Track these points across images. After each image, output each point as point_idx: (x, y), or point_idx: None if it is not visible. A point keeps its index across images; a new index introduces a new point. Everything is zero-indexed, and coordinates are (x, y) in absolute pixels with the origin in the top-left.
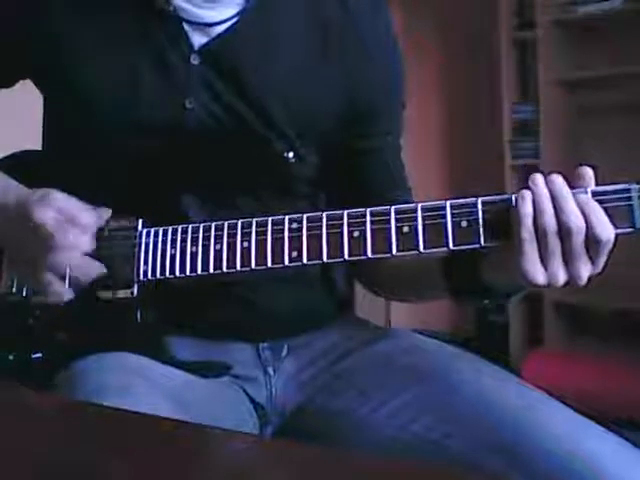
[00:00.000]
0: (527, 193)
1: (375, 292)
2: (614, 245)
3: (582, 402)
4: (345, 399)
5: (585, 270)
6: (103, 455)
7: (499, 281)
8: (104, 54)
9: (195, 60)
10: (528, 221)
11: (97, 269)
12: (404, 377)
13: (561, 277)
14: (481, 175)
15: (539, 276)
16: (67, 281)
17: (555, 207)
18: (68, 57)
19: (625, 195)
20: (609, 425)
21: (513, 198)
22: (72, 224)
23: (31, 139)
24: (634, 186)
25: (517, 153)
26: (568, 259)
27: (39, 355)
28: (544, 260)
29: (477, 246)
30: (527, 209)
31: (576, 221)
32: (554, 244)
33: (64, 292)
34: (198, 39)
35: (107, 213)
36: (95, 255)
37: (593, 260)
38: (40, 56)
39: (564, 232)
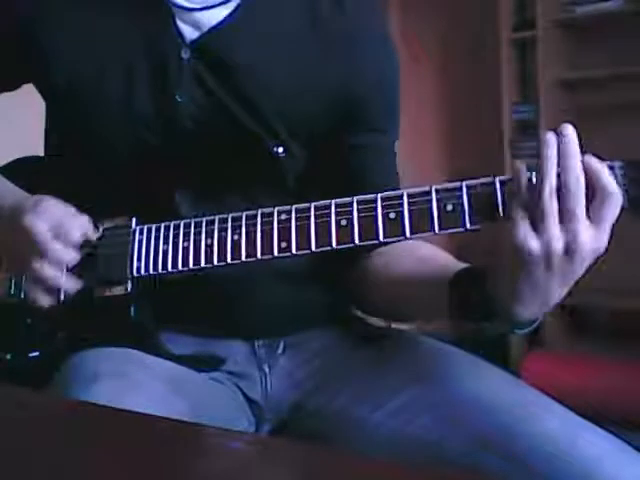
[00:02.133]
0: (520, 165)
1: (375, 313)
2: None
3: (582, 402)
4: (342, 399)
5: (585, 233)
6: (103, 455)
7: (507, 299)
8: (96, 48)
9: (186, 54)
10: (522, 194)
11: (73, 285)
12: (402, 377)
13: (556, 240)
14: (481, 175)
15: (532, 242)
16: (59, 289)
17: (559, 164)
18: (60, 53)
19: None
20: (608, 426)
21: (497, 181)
22: (59, 235)
23: (34, 148)
24: (617, 164)
25: (517, 153)
26: (565, 220)
27: (36, 354)
28: (538, 224)
29: (462, 229)
30: (521, 181)
31: (576, 181)
32: (550, 205)
33: (43, 300)
34: (190, 33)
35: (98, 228)
36: (84, 266)
37: (596, 225)
38: (33, 55)
39: (563, 190)
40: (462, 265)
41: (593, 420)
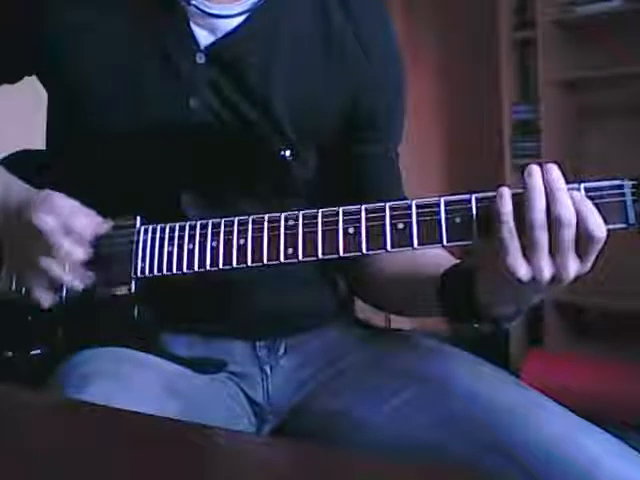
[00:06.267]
0: (505, 191)
1: (375, 306)
2: (604, 245)
3: (582, 402)
4: (343, 399)
5: (573, 265)
6: (103, 455)
7: (492, 303)
8: (109, 52)
9: (201, 59)
10: (508, 219)
11: (84, 280)
12: (403, 377)
13: (546, 271)
14: (481, 175)
15: (521, 270)
16: (63, 287)
17: (548, 198)
18: (72, 55)
19: (618, 191)
20: (608, 426)
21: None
22: (69, 232)
23: (36, 140)
24: (627, 182)
25: (517, 153)
26: (555, 252)
27: (38, 351)
28: (528, 253)
29: (471, 242)
30: (506, 208)
31: (567, 214)
32: (541, 237)
33: (46, 298)
34: (205, 38)
35: (107, 224)
36: (87, 265)
37: (582, 258)
38: (40, 54)
39: (554, 223)
40: (453, 263)
41: (593, 420)
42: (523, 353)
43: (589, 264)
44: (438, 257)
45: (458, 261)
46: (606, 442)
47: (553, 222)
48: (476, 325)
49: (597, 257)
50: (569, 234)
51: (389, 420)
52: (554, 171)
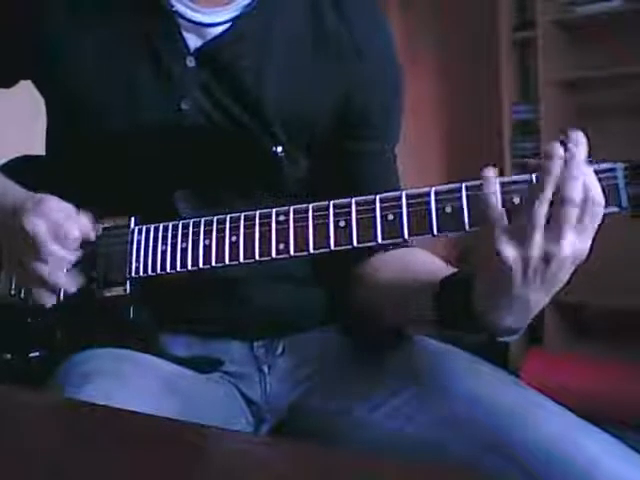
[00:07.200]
0: (490, 172)
1: (368, 316)
2: (597, 235)
3: (581, 402)
4: (343, 399)
5: (570, 237)
6: (102, 455)
7: (489, 308)
8: (100, 56)
9: (191, 62)
10: (494, 201)
11: (71, 285)
12: (401, 377)
13: (536, 247)
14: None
15: (508, 249)
16: (52, 289)
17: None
18: (64, 59)
19: (611, 174)
20: (607, 426)
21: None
22: (58, 235)
23: (36, 145)
24: (619, 165)
25: (517, 153)
26: (553, 226)
27: (36, 354)
28: (518, 236)
29: (462, 232)
30: (492, 188)
31: (575, 202)
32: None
33: (46, 299)
34: (194, 41)
35: (99, 226)
36: (83, 266)
37: (579, 232)
38: (36, 58)
39: (563, 199)
40: (450, 272)
41: (592, 420)
42: (523, 353)
43: (588, 242)
44: (432, 265)
45: (456, 270)
46: (605, 442)
47: (560, 204)
48: (473, 334)
49: (591, 251)
50: (571, 218)
51: (388, 420)
52: (578, 145)
